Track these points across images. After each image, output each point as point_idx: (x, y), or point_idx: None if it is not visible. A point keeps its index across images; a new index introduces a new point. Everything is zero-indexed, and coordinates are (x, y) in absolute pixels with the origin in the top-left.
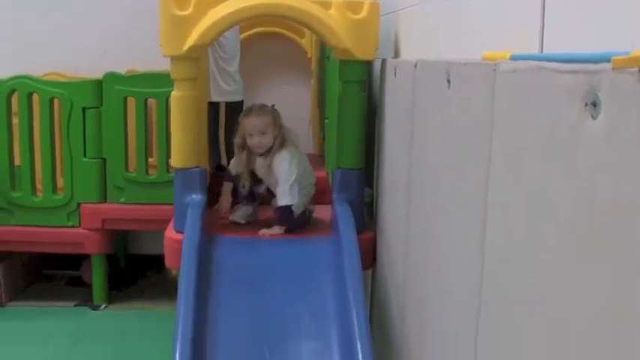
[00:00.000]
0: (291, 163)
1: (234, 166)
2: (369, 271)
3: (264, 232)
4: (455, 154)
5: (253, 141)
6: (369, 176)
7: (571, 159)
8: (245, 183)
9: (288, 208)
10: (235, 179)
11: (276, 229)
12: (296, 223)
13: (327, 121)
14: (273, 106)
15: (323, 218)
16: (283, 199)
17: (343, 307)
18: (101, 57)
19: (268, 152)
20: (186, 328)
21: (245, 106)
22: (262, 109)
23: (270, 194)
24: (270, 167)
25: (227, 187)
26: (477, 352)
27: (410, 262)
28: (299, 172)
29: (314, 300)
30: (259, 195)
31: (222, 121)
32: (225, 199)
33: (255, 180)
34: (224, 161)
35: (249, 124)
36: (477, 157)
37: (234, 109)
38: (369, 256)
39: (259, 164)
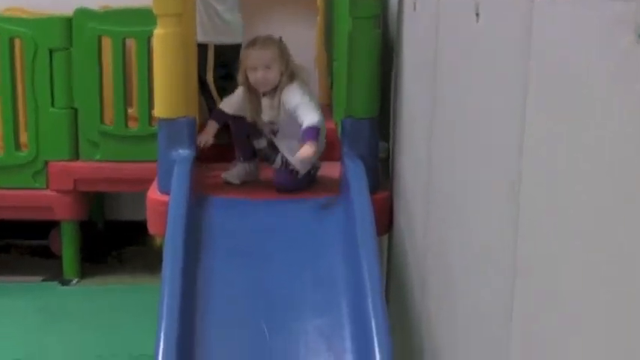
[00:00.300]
0: (305, 93)
1: (231, 104)
2: (385, 237)
3: (297, 155)
4: (485, 97)
5: (257, 75)
6: (385, 127)
7: (621, 97)
8: (257, 133)
9: (315, 130)
10: (231, 120)
11: (308, 148)
12: (299, 183)
13: (335, 63)
14: (280, 38)
15: (331, 176)
16: (308, 117)
17: (355, 278)
18: None
19: (274, 91)
20: (172, 305)
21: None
22: (268, 40)
23: (273, 149)
24: (278, 106)
25: (211, 127)
26: (512, 327)
27: (432, 225)
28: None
29: (321, 270)
30: (260, 151)
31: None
32: (206, 136)
33: (256, 132)
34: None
35: (253, 56)
36: (511, 100)
37: (224, 53)
38: (385, 220)
39: (265, 105)
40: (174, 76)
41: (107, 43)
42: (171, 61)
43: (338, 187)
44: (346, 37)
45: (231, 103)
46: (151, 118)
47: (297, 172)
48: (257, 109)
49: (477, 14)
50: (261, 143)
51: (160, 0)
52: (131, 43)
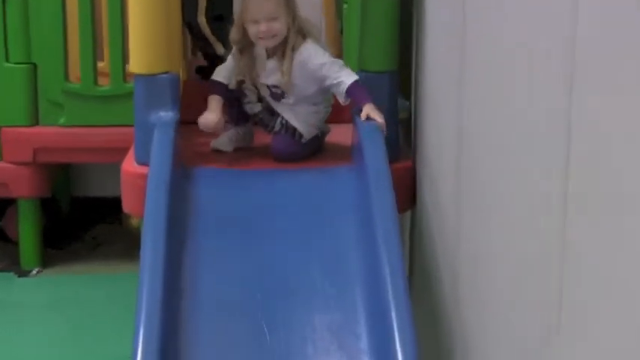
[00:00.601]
0: (327, 52)
1: (228, 73)
2: (406, 215)
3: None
4: (524, 43)
5: (259, 29)
6: (405, 82)
7: None
8: (251, 96)
9: (363, 87)
10: (230, 93)
11: (374, 109)
12: (303, 149)
13: (345, 6)
14: None
15: (341, 141)
16: (344, 74)
17: (371, 263)
18: None
19: (282, 50)
20: (153, 298)
21: None
22: None
23: (271, 114)
24: (289, 68)
25: (215, 102)
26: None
27: (464, 199)
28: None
29: (330, 254)
30: (254, 116)
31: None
32: (213, 115)
33: (249, 95)
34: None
35: (253, 6)
36: (554, 52)
37: None
38: (407, 194)
39: (270, 67)
40: (153, 23)
41: None
42: (150, 4)
43: (350, 154)
44: None
45: (228, 75)
46: (125, 73)
47: (300, 136)
48: (255, 70)
49: None
50: (255, 107)
51: None
52: None
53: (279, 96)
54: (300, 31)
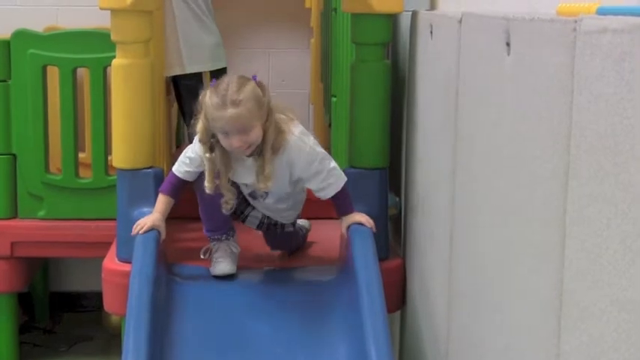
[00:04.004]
0: (309, 139)
1: (193, 168)
2: (396, 315)
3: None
4: (518, 146)
5: (231, 143)
6: (395, 179)
7: None
8: (229, 200)
9: (342, 192)
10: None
11: (364, 216)
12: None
13: (334, 99)
14: (254, 79)
15: (328, 240)
16: (339, 180)
17: None
18: (9, 6)
19: (259, 150)
20: None
21: None
22: (238, 90)
23: (246, 204)
24: (271, 171)
25: (162, 205)
26: None
27: (456, 300)
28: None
29: (320, 356)
30: (234, 214)
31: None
32: (150, 222)
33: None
34: None
35: (222, 120)
36: (550, 152)
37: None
38: (397, 294)
39: (248, 166)
40: (136, 118)
41: (54, 74)
42: (134, 98)
43: (337, 253)
44: (348, 67)
45: (191, 171)
46: (107, 166)
47: (282, 226)
48: (230, 167)
49: (508, 44)
50: (255, 217)
51: (120, 23)
52: (83, 74)
53: (258, 196)
54: (278, 126)
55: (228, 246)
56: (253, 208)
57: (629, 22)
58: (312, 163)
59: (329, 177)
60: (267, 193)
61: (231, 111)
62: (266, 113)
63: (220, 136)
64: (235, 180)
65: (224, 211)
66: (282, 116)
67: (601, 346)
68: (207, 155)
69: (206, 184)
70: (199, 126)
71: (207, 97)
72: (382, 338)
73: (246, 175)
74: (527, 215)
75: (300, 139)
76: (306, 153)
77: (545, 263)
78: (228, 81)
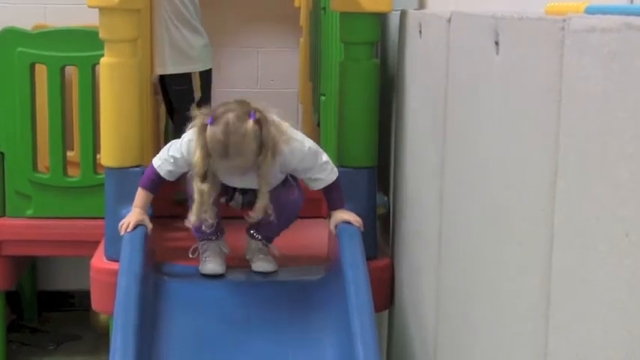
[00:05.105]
0: (305, 141)
1: (176, 168)
2: (384, 314)
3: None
4: (506, 145)
5: (232, 179)
6: (384, 179)
7: None
8: (210, 219)
9: (334, 186)
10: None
11: (352, 215)
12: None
13: (323, 98)
14: (254, 118)
15: (315, 239)
16: (330, 174)
17: None
18: None
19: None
20: None
21: None
22: (241, 136)
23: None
24: (265, 175)
25: (141, 200)
26: None
27: (444, 299)
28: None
29: (308, 356)
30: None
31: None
32: (135, 219)
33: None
34: None
35: (226, 164)
36: (538, 151)
37: (206, 78)
38: (385, 293)
39: (233, 174)
40: (125, 116)
41: (42, 72)
42: (123, 97)
43: (325, 253)
44: (336, 66)
45: (174, 171)
46: (95, 164)
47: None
48: (217, 196)
49: (497, 43)
50: (238, 200)
51: (108, 21)
52: (72, 72)
53: (245, 201)
54: (274, 147)
55: (218, 246)
56: (238, 193)
57: (617, 22)
58: (303, 159)
59: (321, 171)
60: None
61: (236, 160)
62: (262, 144)
63: (220, 173)
64: (230, 184)
65: (234, 205)
66: (275, 118)
67: (589, 346)
68: (200, 186)
69: (191, 217)
70: (196, 158)
71: (209, 136)
72: (370, 337)
73: (241, 182)
74: (516, 214)
75: (295, 140)
76: (299, 152)
77: (533, 263)
78: (229, 124)
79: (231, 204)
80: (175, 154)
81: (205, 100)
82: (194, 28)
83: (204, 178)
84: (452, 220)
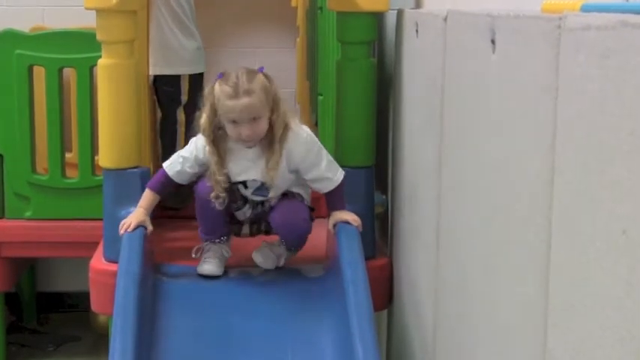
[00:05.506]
0: (313, 142)
1: (186, 168)
2: (383, 313)
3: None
4: (504, 143)
5: (241, 132)
6: (381, 178)
7: None
8: (221, 195)
9: (337, 189)
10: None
11: (351, 215)
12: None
13: (320, 98)
14: (262, 71)
15: (315, 238)
16: (338, 174)
17: None
18: None
19: (265, 142)
20: None
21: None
22: (249, 80)
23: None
24: (276, 163)
25: (147, 201)
26: None
27: (443, 298)
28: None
29: (306, 356)
30: (241, 224)
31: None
32: (136, 219)
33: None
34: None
35: (231, 106)
36: (535, 149)
37: (197, 82)
38: (384, 292)
39: (248, 160)
40: (122, 117)
41: (40, 74)
42: (120, 98)
43: (324, 252)
44: (333, 66)
45: (184, 171)
46: (94, 166)
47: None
48: (227, 164)
49: (493, 41)
50: (246, 212)
51: (105, 23)
52: (70, 74)
53: (261, 201)
54: (285, 119)
55: (220, 248)
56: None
57: (613, 19)
58: (309, 151)
59: (328, 170)
60: (268, 191)
61: (244, 100)
62: (272, 104)
63: (229, 126)
64: (239, 178)
65: (217, 206)
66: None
67: (587, 344)
68: (210, 148)
69: (213, 178)
70: (202, 119)
71: (217, 88)
72: (369, 336)
73: (250, 170)
74: (513, 213)
75: (300, 127)
76: (304, 140)
77: (531, 261)
78: (238, 72)
79: (242, 234)
80: (184, 154)
81: (192, 104)
82: (188, 31)
83: (212, 141)
84: (450, 219)
